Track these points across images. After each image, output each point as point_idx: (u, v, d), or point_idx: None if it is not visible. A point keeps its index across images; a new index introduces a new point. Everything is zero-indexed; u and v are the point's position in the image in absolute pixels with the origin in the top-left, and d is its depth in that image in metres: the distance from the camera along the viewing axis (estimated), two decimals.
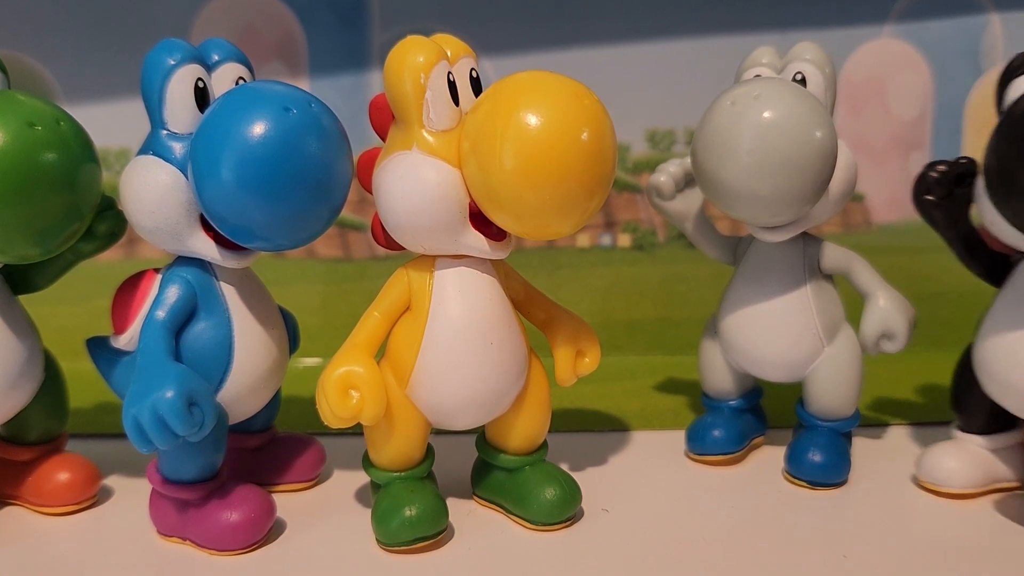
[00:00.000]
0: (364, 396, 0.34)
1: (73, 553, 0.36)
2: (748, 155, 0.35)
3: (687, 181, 0.44)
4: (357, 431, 0.36)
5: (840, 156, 0.37)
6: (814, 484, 0.40)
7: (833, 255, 0.41)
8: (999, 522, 0.37)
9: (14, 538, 0.37)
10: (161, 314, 0.35)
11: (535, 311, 0.38)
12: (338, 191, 0.34)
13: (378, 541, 0.35)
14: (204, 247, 0.35)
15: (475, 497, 0.40)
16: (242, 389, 0.36)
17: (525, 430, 0.37)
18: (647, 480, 0.41)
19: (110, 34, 0.57)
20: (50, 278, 0.39)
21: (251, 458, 0.41)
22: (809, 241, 0.41)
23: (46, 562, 0.35)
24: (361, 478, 0.40)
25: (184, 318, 0.35)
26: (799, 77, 0.39)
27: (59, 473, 0.39)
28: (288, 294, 0.44)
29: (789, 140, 0.35)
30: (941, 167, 0.37)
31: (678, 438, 0.44)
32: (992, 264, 0.38)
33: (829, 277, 0.42)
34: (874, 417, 0.47)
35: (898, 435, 0.46)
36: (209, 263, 0.36)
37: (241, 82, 0.36)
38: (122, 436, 0.32)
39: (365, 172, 0.36)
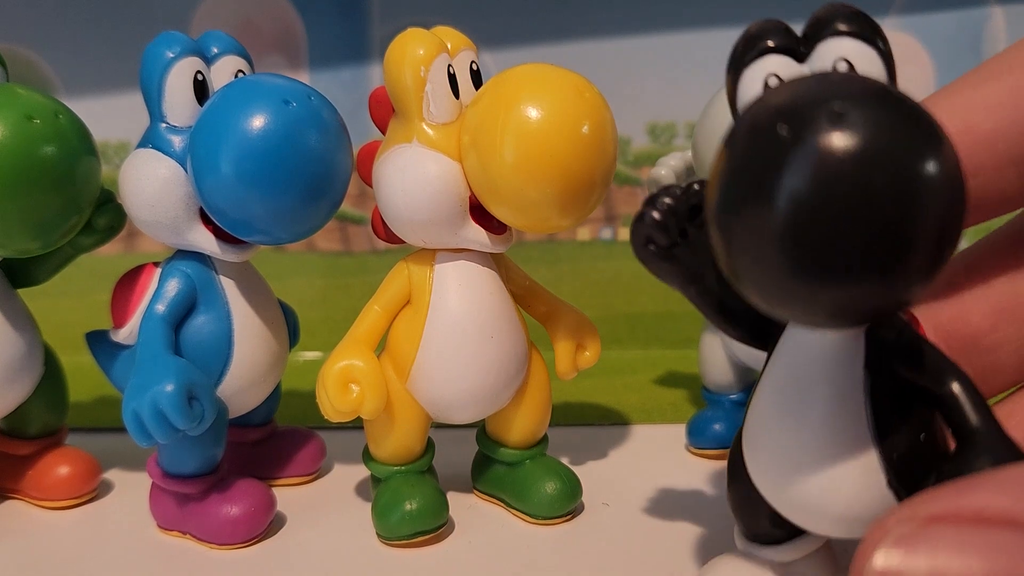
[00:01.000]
0: (364, 390, 0.34)
1: (73, 547, 0.36)
2: None
3: (688, 174, 0.44)
4: (357, 425, 0.36)
5: None
6: None
7: None
8: None
9: (14, 532, 0.37)
10: (160, 308, 0.35)
11: (536, 305, 0.38)
12: (338, 185, 0.34)
13: (378, 535, 0.35)
14: (204, 241, 0.35)
15: (475, 491, 0.40)
16: (242, 383, 0.36)
17: (526, 424, 0.37)
18: (648, 474, 0.41)
19: (109, 27, 0.56)
20: (49, 272, 0.39)
21: (251, 452, 0.41)
22: None
23: (46, 556, 0.35)
24: (361, 472, 0.40)
25: (184, 312, 0.35)
26: None
27: (59, 467, 0.39)
28: (288, 288, 0.44)
29: None
30: (666, 200, 0.26)
31: (679, 432, 0.44)
32: (755, 323, 0.26)
33: None
34: None
35: None
36: (209, 257, 0.35)
37: (240, 75, 0.36)
38: (122, 430, 0.32)
39: (365, 165, 0.36)
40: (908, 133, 0.19)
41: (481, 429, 0.39)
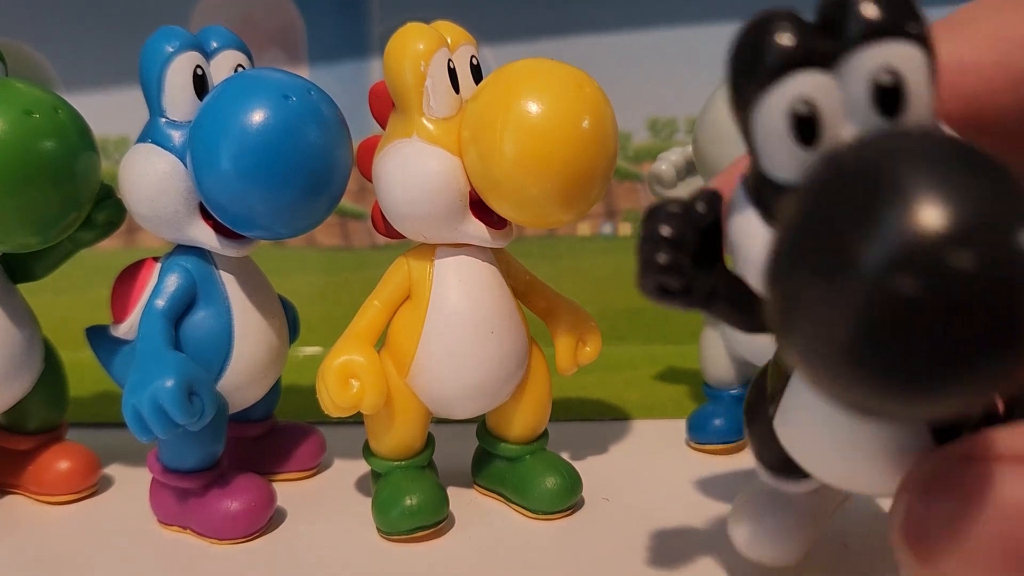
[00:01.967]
0: (364, 385, 0.34)
1: (73, 542, 0.36)
2: None
3: (688, 169, 0.43)
4: (357, 420, 0.36)
5: None
6: None
7: None
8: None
9: (14, 527, 0.37)
10: (160, 303, 0.35)
11: (536, 300, 0.38)
12: (338, 179, 0.34)
13: (379, 530, 0.35)
14: (203, 236, 0.35)
15: (475, 486, 0.40)
16: (242, 378, 0.36)
17: (526, 419, 0.37)
18: (648, 469, 0.41)
19: (109, 22, 0.56)
20: (49, 267, 0.39)
21: (251, 447, 0.41)
22: None
23: (46, 551, 0.35)
24: (361, 467, 0.40)
25: (183, 307, 0.35)
26: None
27: (59, 462, 0.39)
28: (288, 283, 0.44)
29: None
30: (668, 234, 0.22)
31: (679, 427, 0.44)
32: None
33: None
34: None
35: None
36: (209, 252, 0.35)
37: (240, 70, 0.35)
38: (122, 425, 0.32)
39: (365, 160, 0.36)
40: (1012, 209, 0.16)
41: (481, 424, 0.39)
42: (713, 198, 0.23)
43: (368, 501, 0.37)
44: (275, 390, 0.40)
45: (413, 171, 0.33)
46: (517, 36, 0.56)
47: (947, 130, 0.18)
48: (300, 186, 0.32)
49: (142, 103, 0.35)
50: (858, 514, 0.37)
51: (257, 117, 0.31)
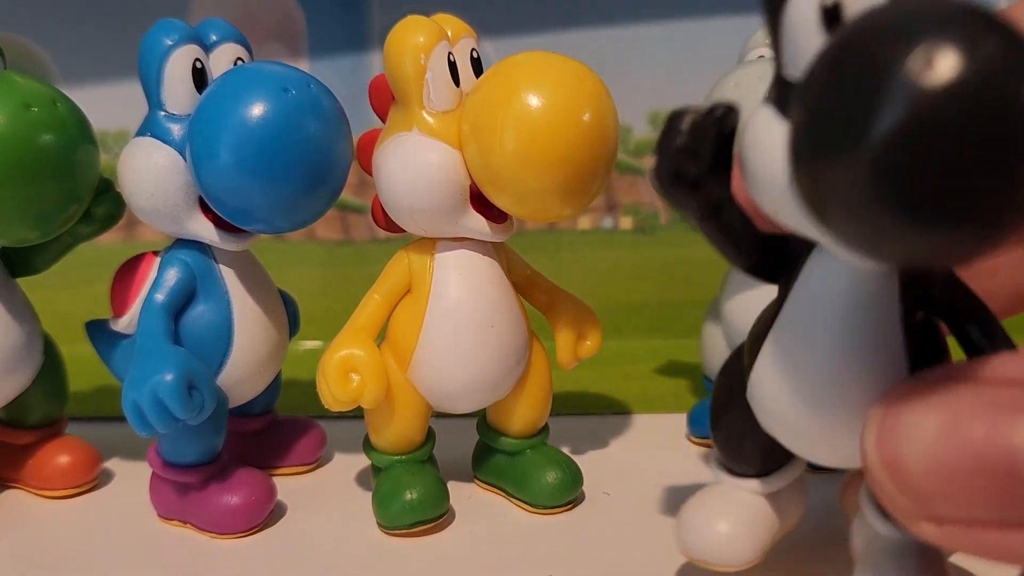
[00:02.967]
0: (364, 379, 0.34)
1: (73, 536, 0.36)
2: None
3: None
4: (358, 414, 0.36)
5: None
6: (817, 468, 0.40)
7: None
8: None
9: (14, 521, 0.37)
10: (160, 297, 0.34)
11: (536, 294, 0.38)
12: (338, 173, 0.34)
13: (379, 524, 0.35)
14: (203, 229, 0.34)
15: (476, 480, 0.40)
16: (242, 372, 0.36)
17: (526, 413, 0.37)
18: (648, 463, 0.41)
19: (108, 15, 0.56)
20: (49, 261, 0.39)
21: (251, 441, 0.41)
22: None
23: (46, 545, 0.35)
24: (362, 461, 0.40)
25: (183, 301, 0.35)
26: None
27: (59, 456, 0.39)
28: (288, 277, 0.44)
29: None
30: (693, 123, 0.23)
31: (680, 421, 0.44)
32: (765, 253, 0.26)
33: None
34: None
35: None
36: (208, 246, 0.35)
37: (239, 63, 0.35)
38: (122, 420, 0.32)
39: (365, 154, 0.36)
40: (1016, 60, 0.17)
41: (482, 418, 0.39)
42: (730, 110, 0.24)
43: (369, 495, 0.37)
44: (275, 384, 0.40)
45: (413, 165, 0.33)
46: (518, 29, 0.56)
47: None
48: (300, 180, 0.32)
49: (142, 97, 0.35)
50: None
51: (257, 110, 0.31)
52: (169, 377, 0.31)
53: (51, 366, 0.39)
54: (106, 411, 0.45)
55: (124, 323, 0.36)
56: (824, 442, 0.25)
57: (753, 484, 0.29)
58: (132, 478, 0.40)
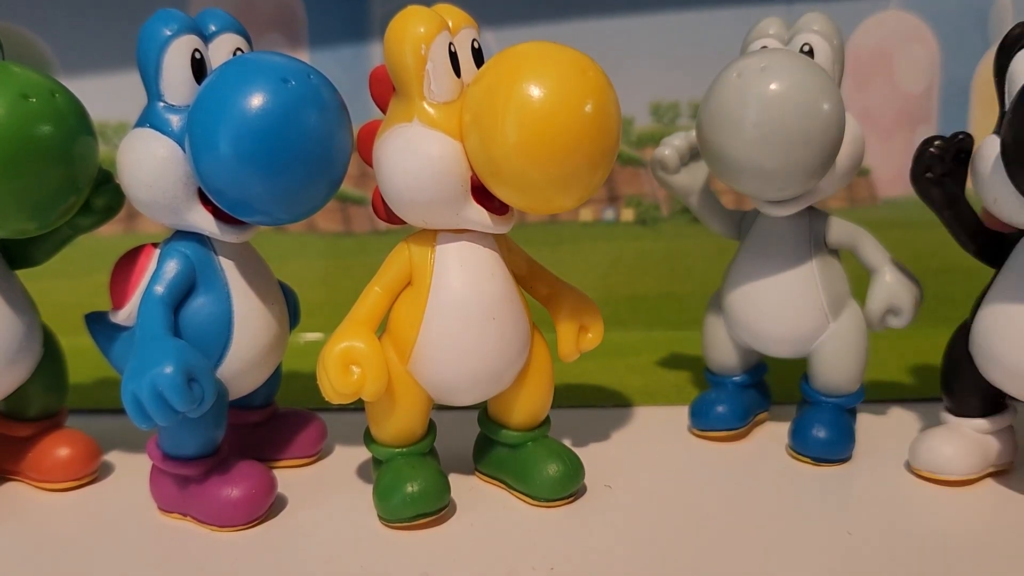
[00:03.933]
0: (365, 372, 0.34)
1: (73, 529, 0.36)
2: (754, 128, 0.35)
3: (692, 154, 0.43)
4: (359, 407, 0.36)
5: (848, 129, 0.37)
6: (818, 460, 0.40)
7: (839, 230, 0.41)
8: (996, 505, 0.37)
9: (14, 514, 0.37)
10: (160, 289, 0.34)
11: (538, 286, 0.38)
12: (337, 164, 0.33)
13: (380, 517, 0.35)
14: (203, 221, 0.34)
15: (477, 473, 0.39)
16: (242, 364, 0.36)
17: (527, 406, 0.37)
18: (650, 456, 0.41)
19: (108, 5, 0.56)
20: (48, 252, 0.39)
21: (252, 434, 0.41)
22: (815, 215, 0.41)
23: (46, 538, 0.35)
24: (362, 454, 0.40)
25: (183, 293, 0.35)
26: (806, 48, 0.39)
27: (59, 449, 0.39)
28: (289, 269, 0.43)
29: (796, 113, 0.35)
30: (940, 143, 0.36)
31: (681, 414, 0.44)
32: (988, 243, 0.38)
33: (835, 252, 0.41)
34: (879, 393, 0.47)
35: (903, 412, 0.46)
36: (208, 237, 0.35)
37: (239, 53, 0.35)
38: (122, 412, 0.32)
39: (365, 145, 0.36)
40: None
41: (483, 411, 0.39)
42: (967, 135, 0.36)
43: (369, 488, 0.37)
44: (276, 376, 0.40)
45: (414, 156, 0.33)
46: (519, 19, 0.56)
47: None
48: (299, 171, 0.32)
49: (142, 88, 0.34)
50: (860, 504, 0.37)
51: (256, 101, 0.31)
52: (169, 369, 0.31)
53: (51, 358, 0.39)
54: (106, 403, 0.45)
55: (123, 315, 0.35)
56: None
57: (972, 423, 0.38)
58: (132, 471, 0.40)
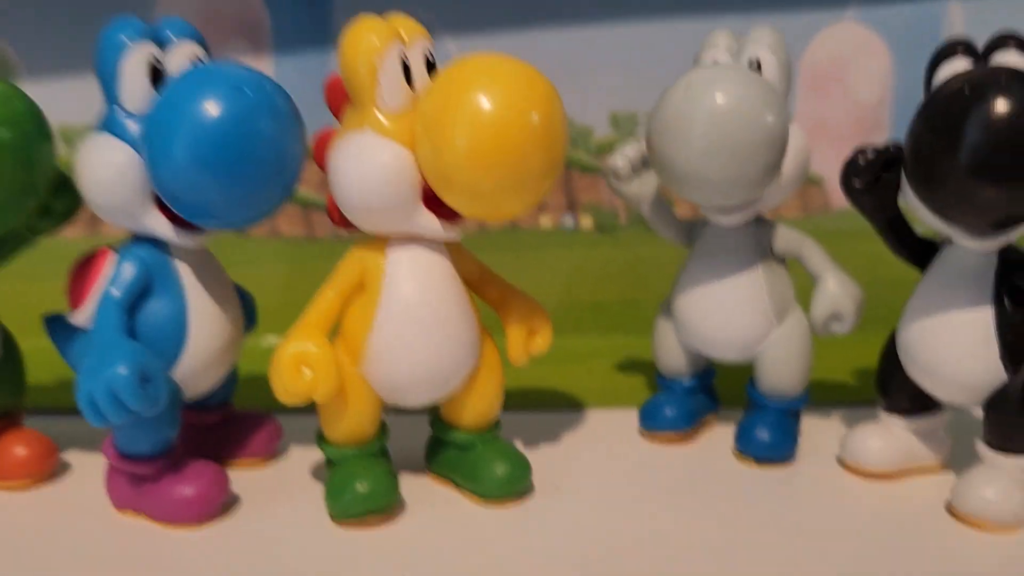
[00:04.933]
0: (317, 374, 0.34)
1: (30, 527, 0.36)
2: (700, 139, 0.36)
3: (644, 163, 0.44)
4: (313, 408, 0.37)
5: (792, 141, 0.38)
6: (761, 461, 0.41)
7: (785, 238, 0.42)
8: (916, 501, 0.38)
9: None
10: (115, 292, 0.35)
11: (488, 291, 0.39)
12: (291, 170, 0.34)
13: (330, 515, 0.36)
14: (158, 225, 0.35)
15: (429, 473, 0.40)
16: (196, 366, 0.36)
17: (477, 407, 0.38)
18: (600, 457, 0.42)
19: (73, 9, 0.56)
20: (5, 255, 0.39)
21: (209, 435, 0.41)
22: (762, 224, 0.42)
23: (2, 537, 0.36)
24: (317, 455, 0.40)
25: (138, 296, 0.35)
26: (755, 62, 0.40)
27: (16, 448, 0.39)
28: (252, 273, 0.44)
29: (741, 125, 0.36)
30: (868, 154, 0.37)
31: (634, 416, 0.45)
32: (918, 249, 0.39)
33: (781, 260, 0.42)
34: (823, 396, 0.48)
35: (845, 414, 0.46)
36: (165, 241, 0.36)
37: (197, 61, 0.36)
38: (80, 412, 0.33)
39: (320, 152, 0.37)
40: None
41: (435, 412, 0.40)
42: (898, 148, 0.36)
43: (323, 488, 0.37)
44: (232, 378, 0.41)
45: (366, 163, 0.34)
46: (481, 27, 0.57)
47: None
48: (253, 177, 0.33)
49: None
50: (801, 503, 0.38)
51: (211, 109, 0.32)
52: (122, 370, 0.32)
53: (8, 359, 0.39)
54: (63, 403, 0.45)
55: (81, 317, 0.36)
56: (946, 384, 0.37)
57: (900, 421, 0.40)
58: (89, 470, 0.40)
